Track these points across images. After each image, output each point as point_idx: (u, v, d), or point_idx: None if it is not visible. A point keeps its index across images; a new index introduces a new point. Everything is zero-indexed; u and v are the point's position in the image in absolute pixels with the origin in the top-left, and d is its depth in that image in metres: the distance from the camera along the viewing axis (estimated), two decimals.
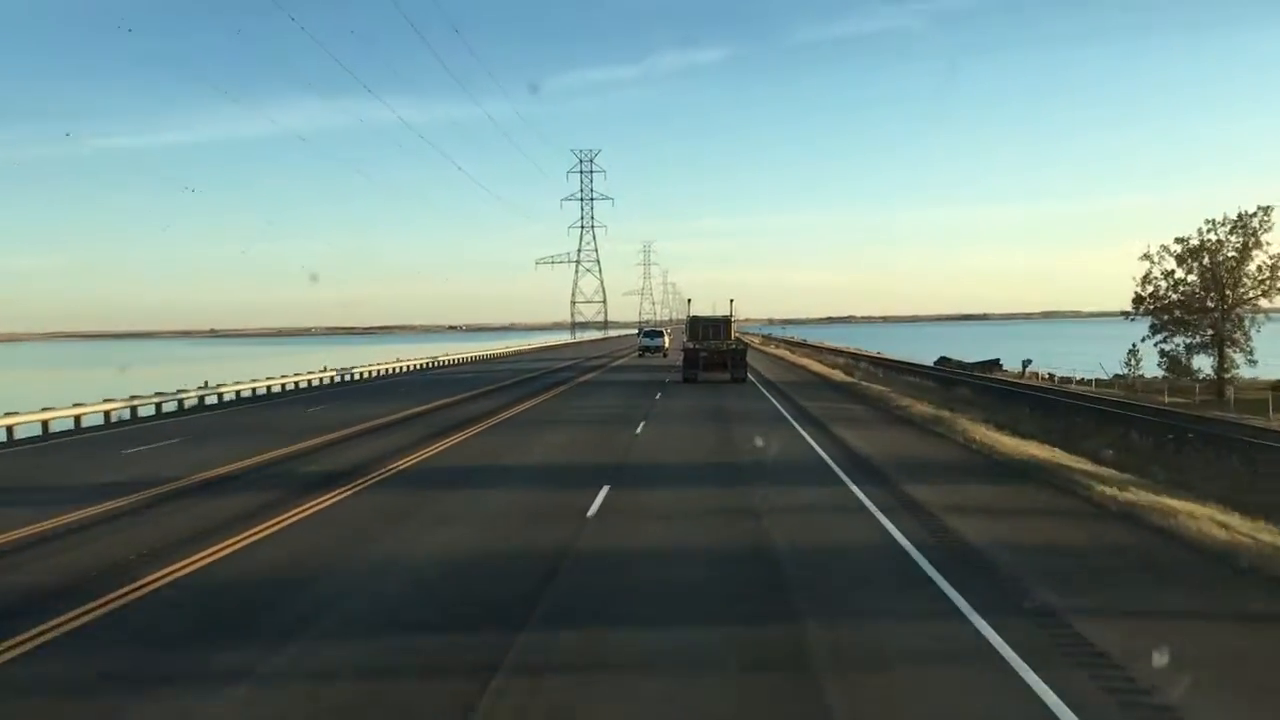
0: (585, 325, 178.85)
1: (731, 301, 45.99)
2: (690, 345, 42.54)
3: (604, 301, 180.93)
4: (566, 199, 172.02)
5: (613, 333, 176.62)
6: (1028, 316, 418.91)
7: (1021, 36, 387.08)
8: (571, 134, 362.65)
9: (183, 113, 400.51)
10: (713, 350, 41.76)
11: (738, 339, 44.26)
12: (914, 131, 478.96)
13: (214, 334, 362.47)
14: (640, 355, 73.13)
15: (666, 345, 75.61)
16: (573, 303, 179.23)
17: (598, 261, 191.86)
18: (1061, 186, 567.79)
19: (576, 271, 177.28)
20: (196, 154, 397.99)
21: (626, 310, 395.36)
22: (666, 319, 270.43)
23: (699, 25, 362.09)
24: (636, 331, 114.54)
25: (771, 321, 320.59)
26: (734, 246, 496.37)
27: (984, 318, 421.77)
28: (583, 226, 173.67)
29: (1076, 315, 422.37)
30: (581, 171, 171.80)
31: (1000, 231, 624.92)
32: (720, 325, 42.92)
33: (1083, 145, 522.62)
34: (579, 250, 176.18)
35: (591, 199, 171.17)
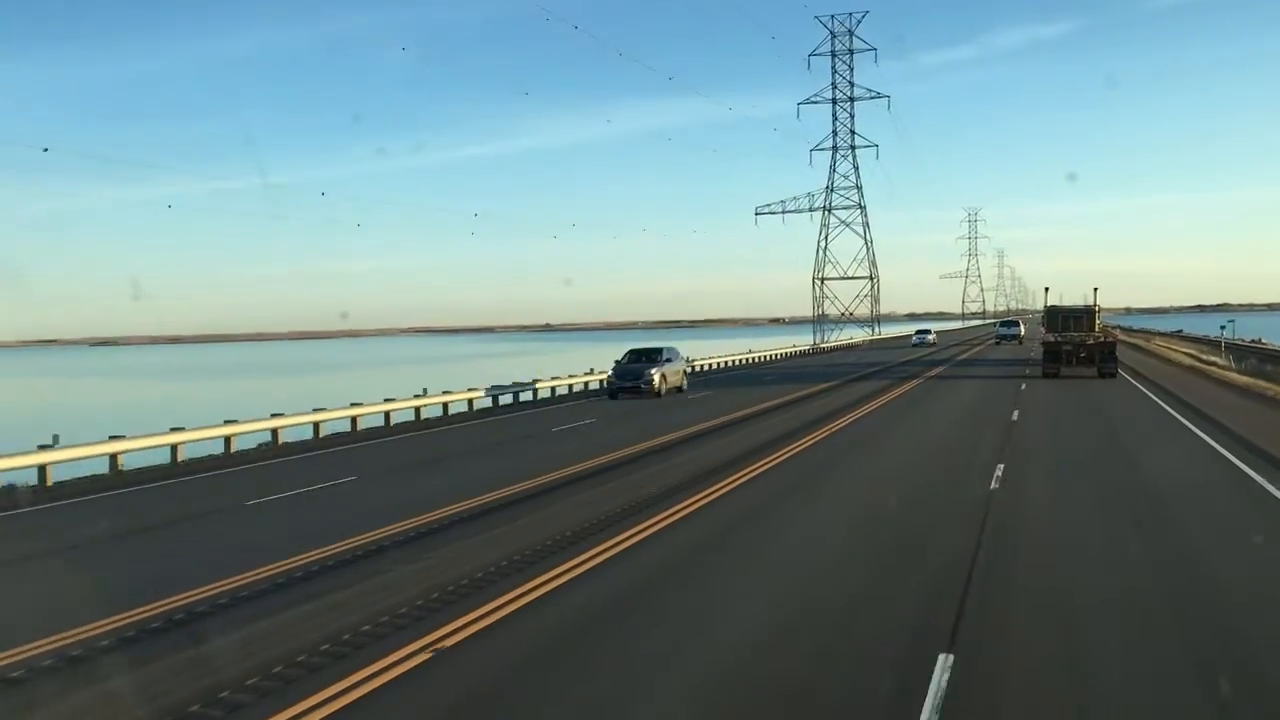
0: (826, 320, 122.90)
1: (1095, 290, 44.40)
2: (1050, 338, 41.19)
3: (872, 280, 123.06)
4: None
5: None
6: None
7: None
8: (918, 120, 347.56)
9: (517, 121, 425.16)
10: (1076, 343, 40.09)
11: (1104, 330, 42.59)
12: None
13: (548, 328, 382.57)
14: (997, 343, 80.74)
15: (1022, 333, 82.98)
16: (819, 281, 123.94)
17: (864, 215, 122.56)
18: None
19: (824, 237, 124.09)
20: (528, 159, 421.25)
21: (942, 300, 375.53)
22: (1003, 309, 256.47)
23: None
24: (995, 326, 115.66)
25: (1129, 311, 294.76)
26: (1081, 233, 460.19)
27: None
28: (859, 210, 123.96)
29: None
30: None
31: None
32: (1083, 316, 41.46)
33: None
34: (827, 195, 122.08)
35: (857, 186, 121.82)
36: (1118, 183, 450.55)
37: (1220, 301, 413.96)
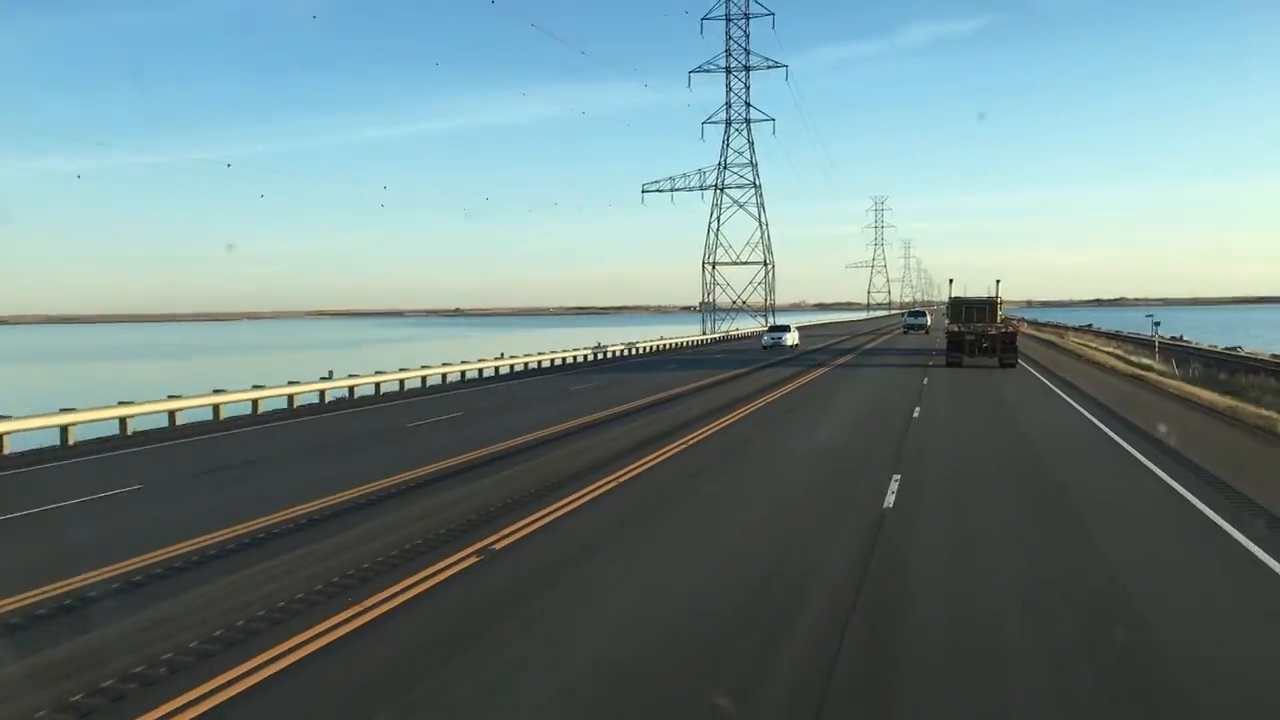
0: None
1: (998, 282, 43.67)
2: (954, 328, 41.55)
3: (766, 266, 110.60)
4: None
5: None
6: None
7: None
8: (817, 113, 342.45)
9: (431, 100, 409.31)
10: (979, 333, 40.68)
11: (1005, 321, 42.63)
12: (1196, 99, 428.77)
13: (459, 313, 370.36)
14: (905, 333, 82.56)
15: (929, 323, 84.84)
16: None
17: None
18: None
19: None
20: (441, 139, 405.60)
21: (849, 290, 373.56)
22: (909, 300, 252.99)
23: None
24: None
25: (1030, 304, 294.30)
26: (986, 226, 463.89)
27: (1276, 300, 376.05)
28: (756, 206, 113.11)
29: None
30: None
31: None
32: (985, 307, 41.85)
33: None
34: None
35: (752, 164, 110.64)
36: (1023, 177, 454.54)
37: (1118, 296, 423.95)
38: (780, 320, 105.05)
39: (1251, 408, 23.47)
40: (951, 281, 46.49)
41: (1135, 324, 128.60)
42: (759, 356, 51.93)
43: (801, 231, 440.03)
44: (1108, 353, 54.05)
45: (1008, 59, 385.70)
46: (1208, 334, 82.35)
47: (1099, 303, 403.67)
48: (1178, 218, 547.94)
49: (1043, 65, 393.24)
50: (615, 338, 68.78)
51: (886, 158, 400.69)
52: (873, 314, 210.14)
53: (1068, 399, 28.06)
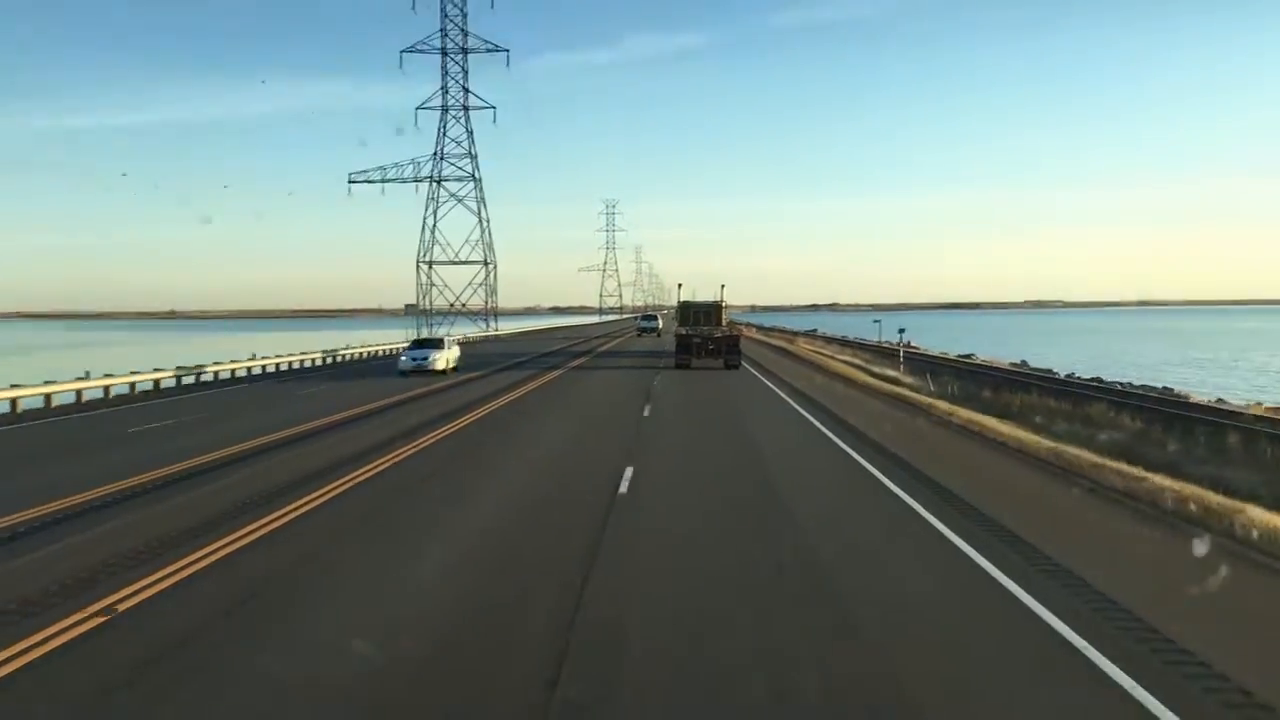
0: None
1: (723, 287, 44.72)
2: (682, 331, 42.86)
3: (487, 265, 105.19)
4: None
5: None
6: (1016, 306, 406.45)
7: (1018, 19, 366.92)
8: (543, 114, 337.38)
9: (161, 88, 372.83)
10: (705, 336, 42.02)
11: (730, 324, 43.86)
12: (903, 118, 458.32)
13: (173, 315, 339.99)
14: (639, 335, 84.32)
15: (660, 326, 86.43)
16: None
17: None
18: (1050, 174, 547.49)
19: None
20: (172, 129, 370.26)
21: (583, 294, 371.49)
22: (641, 304, 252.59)
23: (677, 8, 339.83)
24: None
25: (754, 308, 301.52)
26: (712, 234, 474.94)
27: (974, 307, 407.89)
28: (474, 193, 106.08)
29: (1061, 304, 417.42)
30: None
31: (985, 219, 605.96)
32: (711, 311, 42.93)
33: (1068, 135, 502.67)
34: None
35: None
36: (748, 187, 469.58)
37: (833, 300, 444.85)
38: (506, 323, 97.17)
39: (1089, 455, 17.15)
40: (680, 286, 48.01)
41: (856, 328, 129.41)
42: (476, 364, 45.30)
43: (536, 234, 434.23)
44: (845, 361, 49.30)
45: (732, 72, 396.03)
46: (924, 337, 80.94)
47: (815, 307, 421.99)
48: (891, 227, 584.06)
49: (764, 80, 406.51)
50: (297, 344, 58.41)
51: (618, 163, 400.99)
52: (605, 318, 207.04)
53: (836, 440, 20.47)
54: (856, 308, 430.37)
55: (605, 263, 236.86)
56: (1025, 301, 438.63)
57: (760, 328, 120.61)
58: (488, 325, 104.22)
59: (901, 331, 47.11)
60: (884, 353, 56.78)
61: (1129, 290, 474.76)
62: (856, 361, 48.55)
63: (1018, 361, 49.98)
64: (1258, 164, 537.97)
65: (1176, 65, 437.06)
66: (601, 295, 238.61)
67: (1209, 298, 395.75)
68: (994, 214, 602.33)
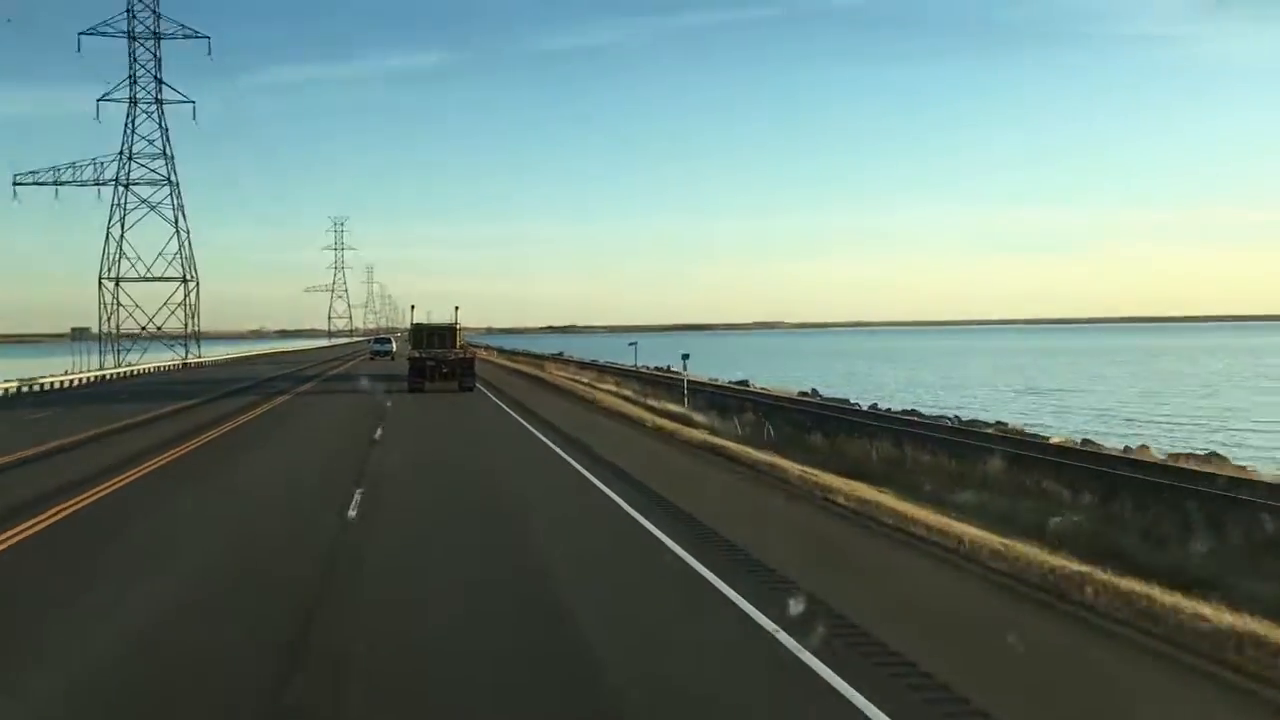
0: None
1: (457, 309, 43.73)
2: (415, 354, 41.88)
3: (186, 283, 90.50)
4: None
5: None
6: (744, 327, 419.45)
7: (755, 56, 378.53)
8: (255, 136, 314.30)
9: None
10: (439, 359, 41.04)
11: (464, 346, 43.35)
12: (642, 145, 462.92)
13: None
14: (372, 359, 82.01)
15: (394, 349, 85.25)
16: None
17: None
18: (780, 203, 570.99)
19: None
20: None
21: (311, 315, 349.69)
22: (374, 326, 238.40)
23: (413, 28, 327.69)
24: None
25: (490, 330, 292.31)
26: (449, 255, 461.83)
27: (707, 328, 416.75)
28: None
29: (781, 325, 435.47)
30: None
31: (720, 245, 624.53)
32: (445, 333, 42.43)
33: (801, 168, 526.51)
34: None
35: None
36: (487, 212, 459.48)
37: (569, 323, 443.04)
38: (219, 347, 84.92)
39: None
40: (413, 308, 46.91)
41: (605, 350, 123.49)
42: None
43: (266, 254, 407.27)
44: (610, 391, 41.68)
45: (467, 95, 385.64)
46: (669, 358, 74.68)
47: (553, 329, 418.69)
48: (627, 251, 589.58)
49: (505, 103, 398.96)
50: None
51: (352, 182, 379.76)
52: (335, 341, 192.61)
53: (666, 546, 12.64)
54: (593, 330, 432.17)
55: (334, 283, 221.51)
56: (753, 323, 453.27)
57: (503, 351, 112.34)
58: (187, 351, 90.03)
59: (685, 358, 39.74)
60: (651, 380, 49.69)
61: (842, 313, 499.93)
62: (625, 392, 41.02)
63: (807, 390, 44.20)
64: (960, 195, 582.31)
65: (881, 98, 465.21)
66: (330, 317, 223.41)
67: (914, 319, 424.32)
68: (723, 240, 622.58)
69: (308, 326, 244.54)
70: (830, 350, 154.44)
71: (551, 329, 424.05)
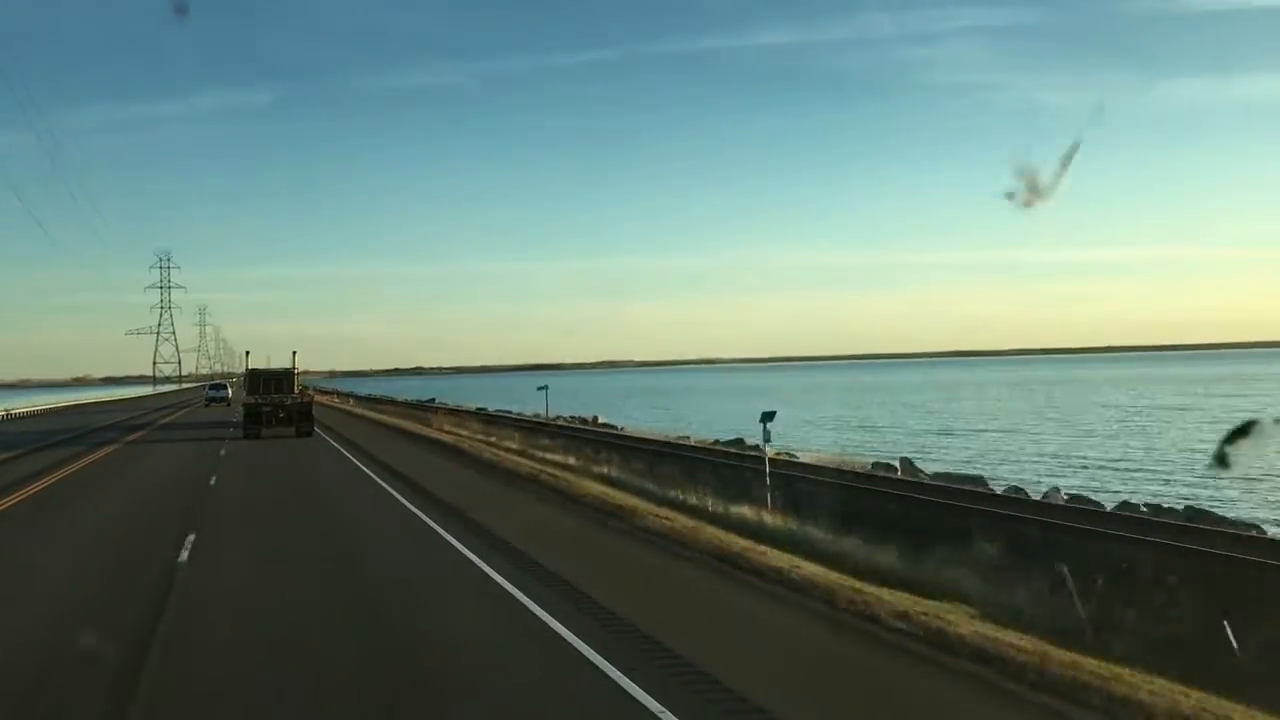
0: None
1: (294, 354, 42.01)
2: (250, 400, 40.99)
3: None
4: None
5: None
6: (590, 366, 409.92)
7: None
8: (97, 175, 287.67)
9: None
10: (275, 404, 40.19)
11: (302, 391, 41.97)
12: (482, 187, 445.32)
13: None
14: (207, 405, 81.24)
15: (230, 395, 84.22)
16: None
17: None
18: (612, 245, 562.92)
19: None
20: None
21: (133, 361, 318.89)
22: (208, 372, 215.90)
23: (242, 65, 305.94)
24: None
25: (334, 374, 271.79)
26: (288, 298, 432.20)
27: (556, 368, 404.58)
28: None
29: (629, 363, 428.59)
30: None
31: (562, 284, 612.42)
32: (283, 378, 41.48)
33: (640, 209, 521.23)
34: None
35: None
36: (327, 251, 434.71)
37: (415, 365, 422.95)
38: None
39: None
40: (248, 354, 47.14)
41: (464, 394, 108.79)
42: None
43: (89, 297, 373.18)
44: (555, 473, 27.20)
45: (301, 132, 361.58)
46: (553, 401, 61.02)
47: (398, 371, 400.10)
48: (472, 291, 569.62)
49: (347, 144, 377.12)
50: None
51: (180, 224, 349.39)
52: (161, 389, 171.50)
53: None
54: (440, 371, 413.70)
55: (160, 324, 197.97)
56: (599, 361, 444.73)
57: (357, 397, 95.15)
58: None
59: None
60: (593, 440, 36.03)
61: (690, 350, 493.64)
62: (604, 470, 26.62)
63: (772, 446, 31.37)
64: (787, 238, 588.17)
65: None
66: (156, 362, 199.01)
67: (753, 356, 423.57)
68: (570, 280, 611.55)
69: (136, 373, 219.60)
70: (725, 389, 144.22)
71: (399, 371, 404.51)
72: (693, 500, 19.87)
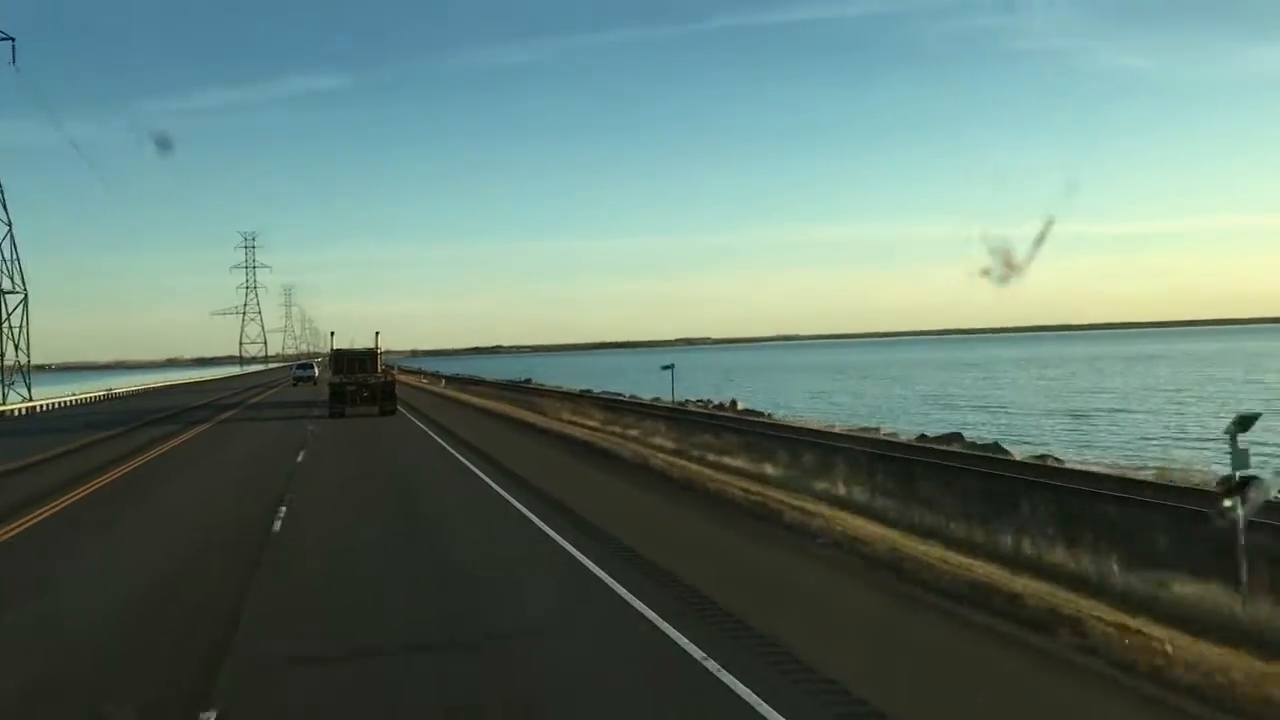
0: None
1: (377, 334, 42.69)
2: (336, 380, 41.85)
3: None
4: None
5: None
6: (669, 344, 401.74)
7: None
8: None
9: None
10: (359, 383, 41.00)
11: (385, 370, 43.19)
12: (547, 165, 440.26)
13: None
14: (295, 384, 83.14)
15: (316, 375, 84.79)
16: None
17: None
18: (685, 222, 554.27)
19: None
20: None
21: (220, 342, 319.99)
22: (294, 352, 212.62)
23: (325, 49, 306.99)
24: None
25: (415, 353, 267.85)
26: (372, 277, 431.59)
27: (630, 345, 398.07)
28: None
29: (707, 340, 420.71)
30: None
31: (625, 262, 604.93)
32: (365, 358, 42.38)
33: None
34: None
35: None
36: (409, 232, 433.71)
37: (495, 344, 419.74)
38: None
39: None
40: (333, 334, 48.09)
41: (554, 373, 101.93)
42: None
43: (170, 280, 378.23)
44: (764, 491, 19.64)
45: (389, 115, 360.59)
46: (649, 386, 53.27)
47: (478, 350, 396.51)
48: (540, 271, 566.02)
49: (423, 125, 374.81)
50: None
51: (268, 205, 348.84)
52: (248, 369, 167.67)
53: None
54: (519, 350, 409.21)
55: (245, 304, 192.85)
56: (677, 339, 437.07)
57: (444, 377, 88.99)
58: (4, 385, 66.12)
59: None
60: (751, 433, 28.30)
61: (767, 328, 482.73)
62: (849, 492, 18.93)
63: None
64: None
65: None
66: (242, 343, 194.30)
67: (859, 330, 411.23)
68: (635, 258, 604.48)
69: (225, 354, 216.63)
70: (814, 365, 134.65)
71: (478, 350, 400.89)
72: (1070, 564, 11.99)
